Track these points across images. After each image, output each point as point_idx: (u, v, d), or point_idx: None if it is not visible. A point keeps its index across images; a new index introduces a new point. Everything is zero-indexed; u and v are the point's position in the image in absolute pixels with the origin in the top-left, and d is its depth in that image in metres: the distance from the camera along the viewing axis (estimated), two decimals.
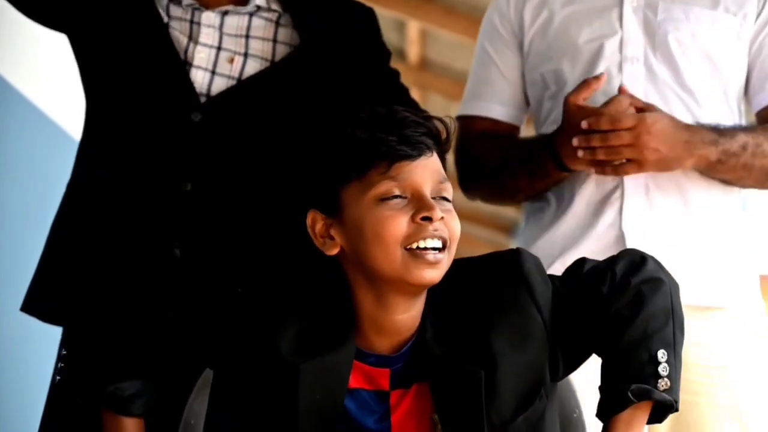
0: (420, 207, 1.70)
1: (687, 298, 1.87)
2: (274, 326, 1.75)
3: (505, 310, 1.75)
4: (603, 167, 2.26)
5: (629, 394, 1.71)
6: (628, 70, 2.35)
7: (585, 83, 2.26)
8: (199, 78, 2.25)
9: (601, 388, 1.76)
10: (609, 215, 2.34)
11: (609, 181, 2.34)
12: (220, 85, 2.25)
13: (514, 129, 2.54)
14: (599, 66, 2.36)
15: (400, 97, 2.40)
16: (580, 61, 2.38)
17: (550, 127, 2.41)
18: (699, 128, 2.28)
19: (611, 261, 1.80)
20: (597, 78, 2.26)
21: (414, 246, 1.70)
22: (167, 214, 2.22)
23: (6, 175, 3.12)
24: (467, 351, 1.74)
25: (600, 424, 1.77)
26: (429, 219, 1.69)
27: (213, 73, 2.25)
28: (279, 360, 1.73)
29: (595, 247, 2.31)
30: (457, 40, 6.88)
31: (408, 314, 1.76)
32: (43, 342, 2.36)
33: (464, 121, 2.54)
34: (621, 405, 1.72)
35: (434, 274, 1.71)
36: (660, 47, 2.35)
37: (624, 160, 2.24)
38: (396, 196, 1.70)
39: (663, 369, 1.73)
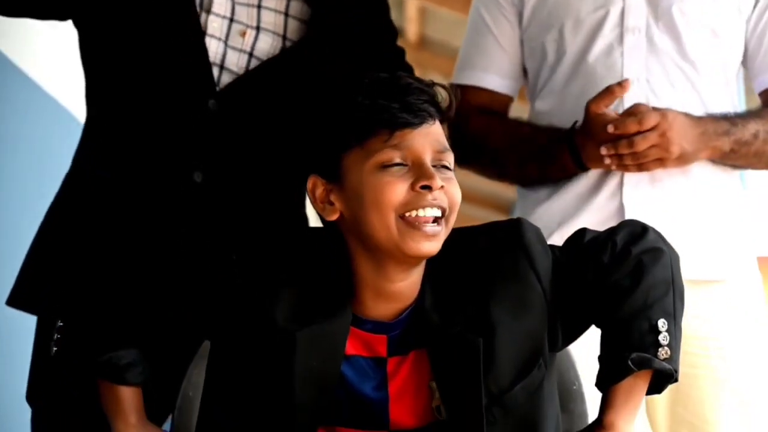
0: (420, 175, 1.70)
1: (686, 272, 1.88)
2: (270, 294, 1.75)
3: (504, 279, 1.76)
4: (626, 165, 2.26)
5: (629, 363, 1.71)
6: (629, 40, 2.35)
7: (607, 91, 2.25)
8: (213, 47, 2.23)
9: (600, 358, 1.76)
10: (609, 187, 2.34)
11: None
12: (232, 58, 2.23)
13: (509, 100, 2.53)
14: (600, 36, 2.35)
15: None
16: (581, 31, 2.37)
17: (546, 99, 2.40)
18: (711, 120, 2.29)
19: (612, 231, 1.80)
20: (620, 85, 2.25)
21: (412, 214, 1.70)
22: (176, 204, 2.21)
23: (6, 152, 3.11)
24: (466, 319, 1.74)
25: (599, 397, 1.78)
26: (428, 188, 1.69)
27: (226, 44, 2.24)
28: (275, 328, 1.74)
29: (595, 219, 2.31)
30: (456, 18, 6.86)
31: (407, 282, 1.76)
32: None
33: (459, 90, 2.52)
34: (621, 374, 1.73)
35: (431, 247, 1.71)
36: (663, 17, 2.34)
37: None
38: (397, 164, 1.70)
39: (663, 338, 1.73)
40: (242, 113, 2.22)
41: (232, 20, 2.25)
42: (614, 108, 2.30)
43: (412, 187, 1.70)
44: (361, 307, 1.77)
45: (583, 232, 1.83)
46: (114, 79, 2.26)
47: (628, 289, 1.74)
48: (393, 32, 2.43)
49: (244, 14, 2.26)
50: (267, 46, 2.26)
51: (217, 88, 2.22)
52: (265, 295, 1.75)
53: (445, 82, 1.80)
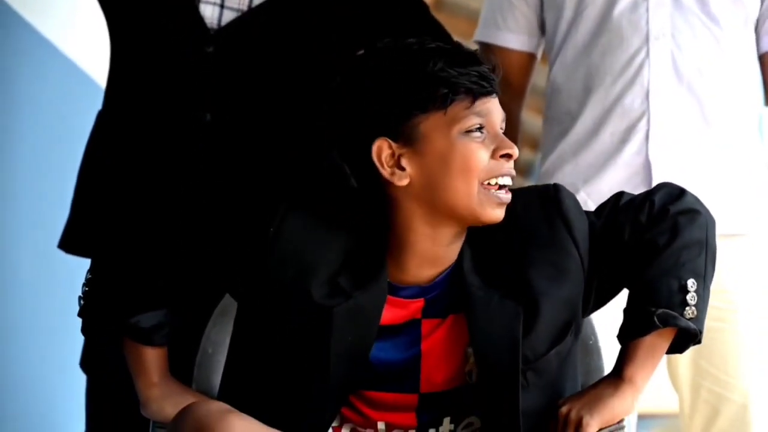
0: (500, 143, 1.71)
1: (723, 226, 1.88)
2: (306, 267, 1.74)
3: (543, 246, 1.76)
4: None
5: (655, 319, 1.71)
6: None
7: None
8: (209, 13, 2.24)
9: (626, 311, 1.77)
10: (635, 142, 2.34)
11: (635, 109, 2.33)
12: (229, 18, 2.25)
13: (526, 58, 2.51)
14: None
15: (421, 16, 2.38)
16: None
17: (568, 54, 2.39)
18: None
19: (649, 193, 1.81)
20: None
21: (492, 182, 1.71)
22: (187, 145, 2.23)
23: (23, 114, 3.11)
24: (505, 284, 1.74)
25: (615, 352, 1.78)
26: (509, 156, 1.71)
27: (222, 6, 2.24)
28: (311, 303, 1.73)
29: (622, 175, 2.32)
30: None
31: (456, 245, 1.76)
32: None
33: (482, 46, 2.52)
34: (645, 329, 1.73)
35: (502, 214, 1.73)
36: None
37: None
38: (479, 130, 1.70)
39: (691, 298, 1.73)
40: (240, 55, 2.24)
41: None
42: (640, 68, 2.29)
43: (493, 155, 1.70)
44: (400, 273, 1.76)
45: (620, 194, 1.83)
46: (122, 35, 2.31)
47: (662, 247, 1.75)
48: None
49: None
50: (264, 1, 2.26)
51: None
52: (301, 265, 1.74)
53: (461, 43, 1.79)
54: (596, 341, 1.98)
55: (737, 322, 2.33)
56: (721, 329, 2.32)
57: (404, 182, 1.71)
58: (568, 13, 2.40)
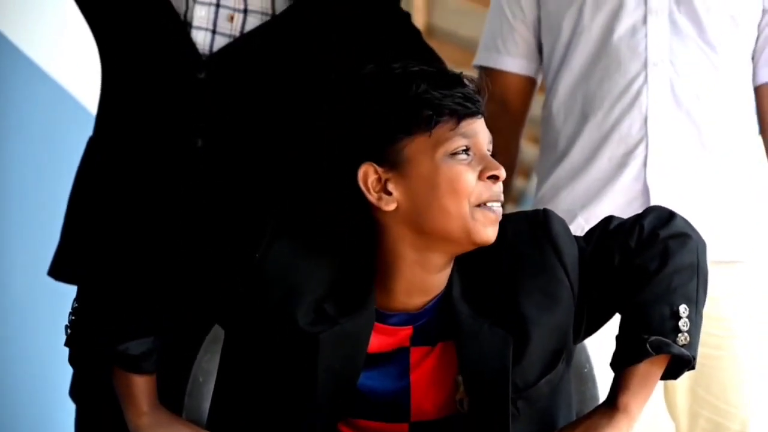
0: (487, 165, 1.70)
1: (711, 253, 1.85)
2: (292, 294, 1.72)
3: (533, 272, 1.74)
4: None
5: (647, 346, 1.70)
6: (653, 22, 2.34)
7: None
8: (200, 39, 2.24)
9: (618, 338, 1.75)
10: (633, 168, 2.33)
11: (633, 135, 2.33)
12: (221, 44, 2.25)
13: (525, 82, 2.52)
14: (624, 15, 2.34)
15: (413, 41, 2.39)
16: (603, 9, 2.36)
17: (565, 78, 2.39)
18: None
19: (639, 217, 1.79)
20: None
21: (481, 204, 1.69)
22: (178, 171, 2.23)
23: (10, 137, 3.10)
24: (495, 312, 1.73)
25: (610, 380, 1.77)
26: (496, 177, 1.69)
27: (213, 32, 2.25)
28: (297, 330, 1.71)
29: (620, 201, 2.32)
30: (462, 7, 6.85)
31: (445, 272, 1.74)
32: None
33: (481, 70, 2.53)
34: (638, 356, 1.71)
35: (495, 233, 1.71)
36: (684, 3, 2.33)
37: None
38: (465, 152, 1.69)
39: (684, 324, 1.72)
40: (232, 80, 2.24)
41: (218, 6, 2.25)
42: (638, 93, 2.30)
43: (480, 176, 1.69)
44: (388, 300, 1.74)
45: (609, 219, 1.82)
46: (114, 59, 2.31)
47: (652, 273, 1.73)
48: None
49: (230, 0, 2.25)
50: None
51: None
52: (287, 292, 1.72)
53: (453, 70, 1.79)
54: (591, 369, 1.97)
55: (735, 350, 2.33)
56: (720, 357, 2.31)
57: (391, 207, 1.70)
58: (564, 37, 2.40)
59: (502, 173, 1.70)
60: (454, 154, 1.68)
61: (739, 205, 2.36)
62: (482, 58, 2.53)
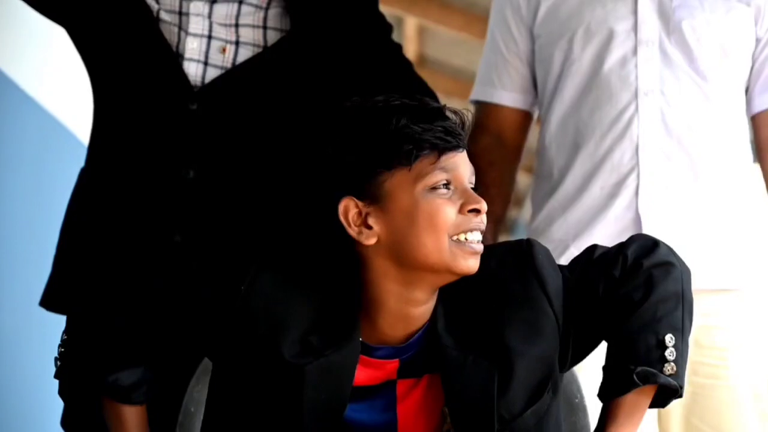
0: (468, 199, 1.70)
1: (704, 281, 1.88)
2: (278, 326, 1.72)
3: (517, 304, 1.74)
4: None
5: (634, 377, 1.70)
6: (643, 52, 2.35)
7: None
8: (192, 70, 2.25)
9: (605, 369, 1.75)
10: (625, 197, 2.34)
11: (624, 164, 2.34)
12: (213, 75, 2.26)
13: (522, 116, 2.53)
14: (614, 47, 2.35)
15: (404, 73, 2.40)
16: (593, 42, 2.37)
17: (557, 110, 2.40)
18: None
19: (622, 245, 1.79)
20: None
21: (461, 237, 1.69)
22: (170, 202, 2.23)
23: (1, 167, 3.11)
24: (480, 344, 1.73)
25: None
26: (477, 211, 1.69)
27: (206, 64, 2.26)
28: (282, 360, 1.71)
29: (612, 230, 2.32)
30: (454, 37, 6.87)
31: (428, 305, 1.74)
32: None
33: (478, 105, 2.55)
34: (625, 387, 1.72)
35: (477, 264, 1.71)
36: (674, 33, 2.35)
37: None
38: (445, 187, 1.69)
39: (670, 354, 1.72)
40: (223, 112, 2.25)
41: (210, 38, 2.26)
42: (629, 123, 2.30)
43: (461, 210, 1.69)
44: (373, 333, 1.74)
45: (593, 248, 1.82)
46: (106, 90, 2.32)
47: (637, 302, 1.73)
48: (385, 27, 2.41)
49: (222, 32, 2.27)
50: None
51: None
52: (272, 324, 1.72)
53: (444, 100, 1.81)
54: (582, 399, 1.97)
55: (730, 379, 2.32)
56: (714, 386, 2.31)
57: (372, 241, 1.70)
58: (555, 68, 2.42)
59: (482, 206, 1.70)
60: (434, 188, 1.69)
61: (732, 234, 2.36)
62: (478, 93, 2.55)
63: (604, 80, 2.35)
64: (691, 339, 2.25)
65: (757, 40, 2.39)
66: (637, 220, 2.33)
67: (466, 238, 1.69)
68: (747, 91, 2.43)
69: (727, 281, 2.35)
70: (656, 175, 2.33)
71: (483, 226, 1.71)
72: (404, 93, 1.75)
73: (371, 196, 1.69)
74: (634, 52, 2.35)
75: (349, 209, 1.70)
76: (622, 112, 2.34)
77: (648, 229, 2.29)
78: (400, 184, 1.69)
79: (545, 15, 2.44)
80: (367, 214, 1.70)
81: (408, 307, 1.72)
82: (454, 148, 1.70)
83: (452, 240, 1.69)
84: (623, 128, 2.34)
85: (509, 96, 2.51)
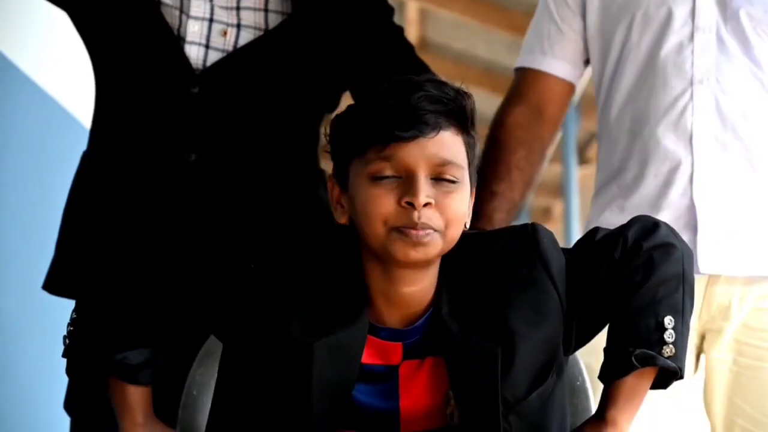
0: (406, 190, 1.68)
1: (758, 268, 1.91)
2: (286, 305, 1.74)
3: (521, 287, 1.75)
4: None
5: (633, 359, 1.70)
6: (700, 39, 2.33)
7: None
8: (194, 53, 2.25)
9: (605, 351, 1.76)
10: (679, 185, 2.32)
11: (679, 152, 2.32)
12: (214, 59, 2.26)
13: (567, 88, 2.51)
14: (671, 32, 2.34)
15: (405, 55, 2.39)
16: (650, 26, 2.35)
17: (616, 96, 2.39)
18: None
19: (623, 228, 1.79)
20: None
21: (398, 227, 1.68)
22: (172, 186, 2.23)
23: (4, 151, 3.11)
24: (484, 327, 1.73)
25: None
26: (412, 204, 1.67)
27: (207, 47, 2.26)
28: (291, 338, 1.72)
29: (667, 218, 2.22)
30: (456, 20, 6.87)
31: (417, 287, 1.74)
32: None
33: (521, 72, 2.52)
34: (624, 369, 1.72)
35: (421, 254, 1.69)
36: (731, 20, 2.32)
37: None
38: (388, 177, 1.69)
39: (669, 336, 1.72)
40: (225, 95, 2.25)
41: (212, 21, 2.26)
42: (684, 111, 2.31)
43: (399, 201, 1.68)
44: (376, 315, 1.75)
45: (596, 230, 1.82)
46: (108, 73, 2.32)
47: (637, 284, 1.73)
48: (387, 10, 2.41)
49: (224, 15, 2.27)
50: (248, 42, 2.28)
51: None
52: (281, 306, 1.74)
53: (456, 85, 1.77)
54: (584, 382, 1.97)
55: None
56: (759, 368, 2.30)
57: (342, 220, 1.75)
58: (615, 53, 2.40)
59: (417, 200, 1.66)
60: (375, 177, 1.69)
61: None
62: (525, 60, 2.51)
63: (660, 67, 2.33)
64: (741, 321, 2.29)
65: None
66: (692, 207, 2.30)
67: (402, 230, 1.68)
68: None
69: None
70: (710, 163, 2.31)
71: (427, 224, 1.67)
72: (399, 72, 1.76)
73: (341, 178, 1.75)
74: (691, 38, 2.33)
75: (333, 188, 1.77)
76: (677, 99, 2.32)
77: (703, 217, 2.28)
78: (354, 170, 1.72)
79: None
80: (340, 194, 1.75)
81: (394, 288, 1.73)
82: (401, 138, 1.67)
83: (391, 229, 1.68)
84: (677, 116, 2.32)
85: (560, 65, 2.48)
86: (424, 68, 2.38)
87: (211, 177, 2.24)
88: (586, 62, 2.50)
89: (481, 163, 1.94)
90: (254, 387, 1.76)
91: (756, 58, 2.32)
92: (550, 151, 2.55)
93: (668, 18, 2.34)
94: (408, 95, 1.69)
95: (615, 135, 2.41)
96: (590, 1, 2.44)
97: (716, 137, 2.31)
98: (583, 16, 2.46)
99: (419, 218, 1.67)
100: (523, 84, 2.51)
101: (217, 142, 2.24)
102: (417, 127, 1.68)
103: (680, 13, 2.34)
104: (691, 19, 2.33)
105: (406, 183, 1.68)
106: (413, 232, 1.67)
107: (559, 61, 2.48)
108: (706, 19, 2.33)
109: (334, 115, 1.79)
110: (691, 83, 2.32)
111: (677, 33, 2.34)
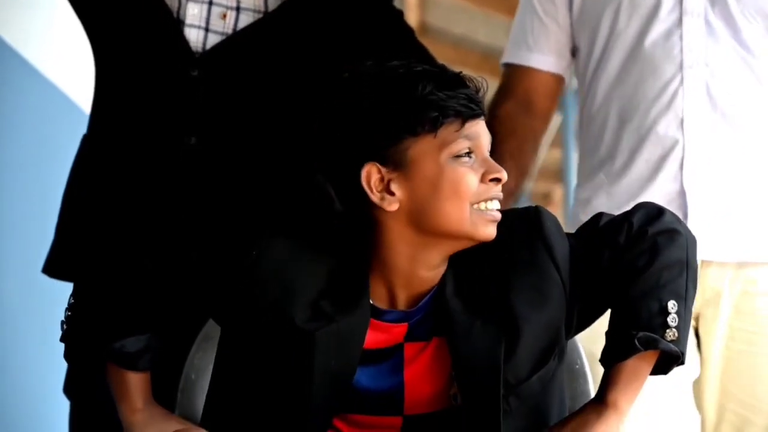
0: (489, 168, 1.71)
1: (747, 254, 1.94)
2: (288, 292, 1.73)
3: (525, 270, 1.75)
4: None
5: (636, 342, 1.70)
6: (688, 23, 2.33)
7: None
8: (193, 36, 2.25)
9: (607, 334, 1.76)
10: (670, 170, 2.32)
11: (669, 137, 2.32)
12: (214, 42, 2.26)
13: (556, 80, 2.51)
14: (658, 19, 2.33)
15: (406, 40, 2.39)
16: (638, 12, 2.35)
17: (601, 82, 2.39)
18: None
19: (628, 213, 1.80)
20: None
21: (482, 206, 1.71)
22: (172, 169, 2.23)
23: (3, 135, 3.11)
24: (487, 309, 1.74)
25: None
26: (498, 180, 1.71)
27: (207, 30, 2.25)
28: (293, 327, 1.72)
29: (657, 203, 2.29)
30: (455, 5, 6.87)
31: (438, 270, 1.76)
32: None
33: (508, 68, 2.53)
34: (626, 352, 1.72)
35: (494, 231, 1.73)
36: (718, 4, 2.32)
37: None
38: (468, 154, 1.71)
39: (672, 320, 1.72)
40: (225, 78, 2.24)
41: (211, 3, 2.26)
42: (674, 96, 2.30)
43: (483, 178, 1.71)
44: (383, 297, 1.75)
45: (600, 215, 1.82)
46: (107, 57, 2.32)
47: (641, 269, 1.74)
48: None
49: None
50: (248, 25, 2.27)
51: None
52: (282, 291, 1.73)
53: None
54: (582, 366, 1.98)
55: (767, 346, 2.32)
56: (751, 353, 2.31)
57: (394, 207, 1.71)
58: (601, 39, 2.39)
59: (503, 176, 1.72)
60: (458, 156, 1.70)
61: None
62: (511, 55, 2.52)
63: (648, 53, 2.33)
64: (731, 306, 2.30)
65: None
66: (682, 192, 2.31)
67: (486, 207, 1.71)
68: None
69: None
70: (701, 148, 2.31)
71: (500, 195, 1.73)
72: (420, 59, 1.75)
73: (394, 162, 1.70)
74: (679, 24, 2.33)
75: (371, 175, 1.71)
76: (667, 84, 2.33)
77: (693, 202, 2.29)
78: (425, 151, 1.69)
79: None
80: (389, 181, 1.70)
81: (420, 270, 1.74)
82: (477, 115, 1.72)
83: (473, 208, 1.70)
84: (668, 101, 2.32)
85: (545, 59, 2.49)
86: (424, 52, 2.38)
87: (211, 160, 2.24)
88: (574, 52, 2.49)
89: None
90: (253, 373, 1.76)
91: (744, 41, 2.32)
92: (544, 139, 2.56)
93: (656, 4, 2.34)
94: (460, 77, 1.73)
95: (601, 122, 2.41)
96: None
97: (707, 122, 2.31)
98: (570, 4, 2.45)
99: (499, 191, 1.72)
100: (510, 79, 2.52)
101: (217, 125, 2.24)
102: (480, 105, 1.73)
103: (667, 1, 2.33)
104: (679, 4, 2.33)
105: (480, 161, 1.72)
106: (495, 212, 1.72)
107: (544, 55, 2.49)
108: (694, 4, 2.33)
109: (365, 98, 1.72)
110: (681, 68, 2.32)
111: (665, 18, 2.34)
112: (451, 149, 1.69)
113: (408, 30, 2.43)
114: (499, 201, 1.73)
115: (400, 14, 2.43)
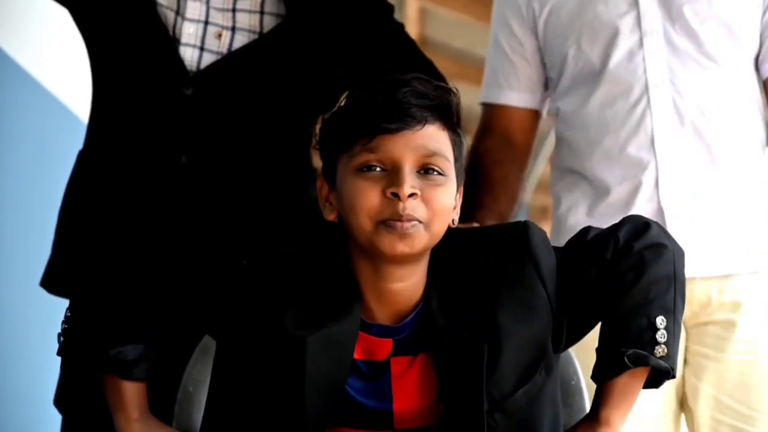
0: (391, 181, 1.69)
1: (730, 266, 1.96)
2: (279, 301, 1.74)
3: (510, 285, 1.75)
4: None
5: (626, 359, 1.71)
6: (649, 44, 2.34)
7: None
8: (188, 55, 2.26)
9: (598, 351, 1.76)
10: (646, 190, 2.33)
11: (642, 158, 2.33)
12: (208, 61, 2.26)
13: (531, 115, 2.53)
14: (619, 43, 2.35)
15: (406, 51, 2.39)
16: (598, 40, 2.36)
17: (570, 100, 2.41)
18: None
19: (615, 227, 1.80)
20: None
21: (384, 220, 1.69)
22: (164, 186, 2.24)
23: (2, 147, 3.12)
24: (471, 323, 1.74)
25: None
26: (397, 195, 1.68)
27: (201, 49, 2.26)
28: (285, 333, 1.73)
29: None
30: (456, 18, 6.86)
31: (406, 283, 1.75)
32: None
33: (485, 107, 2.55)
34: (617, 369, 1.73)
35: (405, 248, 1.69)
36: (678, 19, 2.33)
37: None
38: (373, 168, 1.70)
39: (661, 336, 1.73)
40: (218, 97, 2.25)
41: (207, 23, 2.27)
42: (643, 116, 2.32)
43: (384, 192, 1.69)
44: (367, 311, 1.76)
45: (587, 230, 1.82)
46: (104, 72, 2.33)
47: (628, 284, 1.74)
48: (386, 7, 2.40)
49: (219, 17, 2.27)
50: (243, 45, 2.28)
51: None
52: (275, 301, 1.74)
53: (449, 83, 1.80)
54: (579, 381, 1.98)
55: (760, 355, 2.32)
56: (749, 363, 2.31)
57: (331, 217, 1.76)
58: (568, 69, 2.41)
59: (402, 191, 1.67)
60: (359, 169, 1.70)
61: (755, 217, 2.35)
62: (485, 95, 2.54)
63: (613, 76, 2.35)
64: (721, 316, 2.30)
65: (764, 12, 2.36)
66: (660, 211, 2.32)
67: (388, 222, 1.69)
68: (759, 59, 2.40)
69: (754, 263, 2.34)
70: (674, 166, 2.32)
71: (412, 215, 1.68)
72: (428, 73, 1.76)
73: (330, 176, 1.76)
74: (640, 44, 2.34)
75: (322, 186, 1.78)
76: (635, 106, 2.34)
77: (671, 220, 2.30)
78: (342, 165, 1.73)
79: (547, 17, 2.43)
80: (328, 192, 1.76)
81: (383, 284, 1.74)
82: (387, 130, 1.69)
83: (377, 223, 1.69)
84: (637, 122, 2.34)
85: (517, 96, 2.51)
86: (428, 64, 2.37)
87: (202, 179, 2.24)
88: (547, 85, 2.51)
89: (465, 178, 1.93)
90: (248, 383, 1.77)
91: (708, 53, 2.34)
92: (541, 154, 2.57)
93: (615, 30, 2.36)
94: (394, 90, 1.71)
95: (573, 143, 2.43)
96: (540, 22, 2.45)
97: (677, 138, 2.33)
98: (536, 40, 2.47)
99: (404, 209, 1.68)
100: (488, 118, 2.55)
101: (209, 144, 2.24)
102: (403, 119, 1.70)
103: (626, 24, 2.36)
104: (638, 26, 2.35)
105: (392, 175, 1.69)
106: (398, 224, 1.68)
107: (515, 93, 2.51)
108: (652, 23, 2.35)
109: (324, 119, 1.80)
110: (647, 88, 2.34)
111: (626, 41, 2.35)
112: (354, 163, 1.71)
113: (410, 42, 2.41)
114: (406, 221, 1.67)
115: (401, 27, 2.42)
